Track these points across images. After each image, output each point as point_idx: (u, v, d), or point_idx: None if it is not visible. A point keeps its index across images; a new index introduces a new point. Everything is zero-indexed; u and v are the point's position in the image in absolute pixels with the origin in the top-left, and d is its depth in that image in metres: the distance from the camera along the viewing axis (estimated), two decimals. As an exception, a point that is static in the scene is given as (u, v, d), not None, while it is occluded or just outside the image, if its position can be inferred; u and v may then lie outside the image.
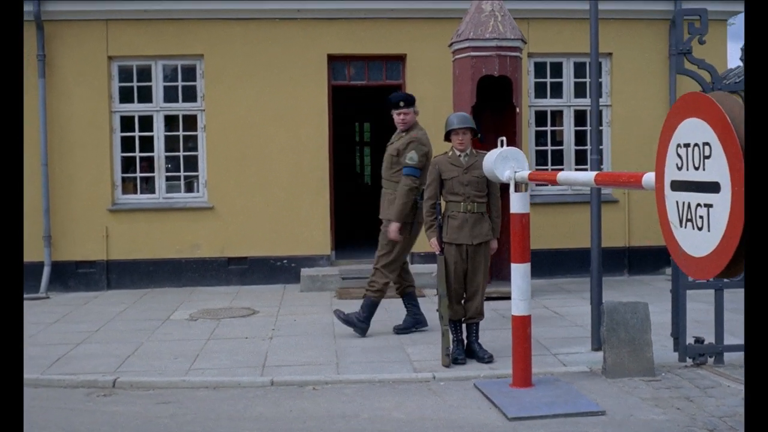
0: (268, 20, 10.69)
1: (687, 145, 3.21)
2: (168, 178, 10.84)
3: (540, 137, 11.26)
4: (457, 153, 6.57)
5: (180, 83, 10.78)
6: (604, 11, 10.92)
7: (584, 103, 11.23)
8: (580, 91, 11.25)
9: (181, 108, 10.80)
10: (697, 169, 3.14)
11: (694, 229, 3.18)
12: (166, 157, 10.80)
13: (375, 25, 10.82)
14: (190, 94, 10.80)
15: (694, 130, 3.15)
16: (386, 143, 7.86)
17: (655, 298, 9.14)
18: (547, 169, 10.98)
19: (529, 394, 5.50)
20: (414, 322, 7.78)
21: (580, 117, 11.26)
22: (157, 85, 10.73)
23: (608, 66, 11.22)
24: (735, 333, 6.76)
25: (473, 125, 6.57)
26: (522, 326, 5.63)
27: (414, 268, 10.59)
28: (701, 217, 3.13)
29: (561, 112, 11.26)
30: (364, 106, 16.95)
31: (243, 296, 10.00)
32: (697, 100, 3.12)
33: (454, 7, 10.60)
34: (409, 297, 7.89)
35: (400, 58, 11.03)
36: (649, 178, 3.61)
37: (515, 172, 5.54)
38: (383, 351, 7.01)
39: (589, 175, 4.31)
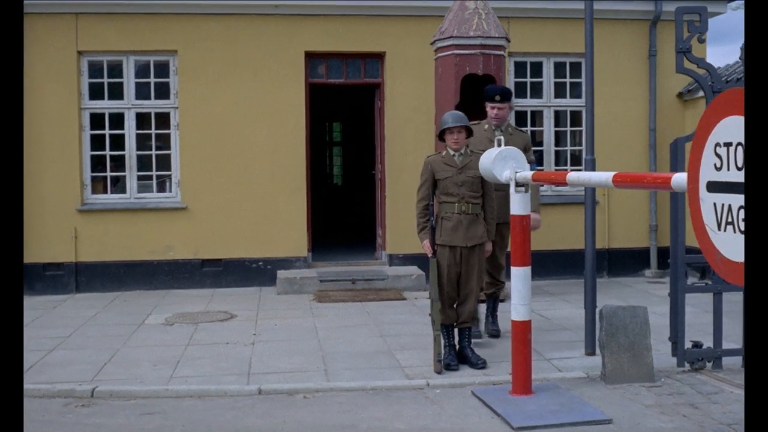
0: (245, 16, 10.41)
1: (728, 145, 3.04)
2: (139, 178, 10.49)
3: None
4: (452, 152, 6.37)
5: (152, 80, 10.44)
6: (582, 11, 10.86)
7: (564, 103, 11.14)
8: (559, 91, 11.14)
9: (153, 105, 10.46)
10: (740, 169, 2.98)
11: (735, 232, 3.02)
12: (138, 156, 10.45)
13: (354, 22, 10.59)
14: (162, 91, 10.47)
15: (736, 128, 2.98)
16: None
17: (639, 300, 9.07)
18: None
19: (531, 402, 5.32)
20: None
21: (557, 117, 11.16)
22: (129, 81, 10.38)
23: (588, 66, 11.11)
24: (727, 337, 6.66)
25: (468, 124, 6.38)
26: (522, 332, 5.45)
27: (393, 270, 10.45)
28: (744, 219, 2.96)
29: (541, 112, 11.14)
30: (334, 105, 16.73)
31: (218, 299, 9.70)
32: (741, 97, 2.96)
33: (435, 5, 10.42)
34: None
35: (379, 56, 10.82)
36: (679, 179, 3.42)
37: (516, 172, 5.36)
38: (372, 357, 6.79)
39: (604, 176, 4.12)
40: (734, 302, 6.53)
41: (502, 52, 9.22)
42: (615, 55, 11.04)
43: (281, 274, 10.28)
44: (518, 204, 5.39)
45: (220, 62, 10.39)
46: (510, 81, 10.90)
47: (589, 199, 6.64)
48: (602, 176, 4.17)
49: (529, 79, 11.05)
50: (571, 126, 11.18)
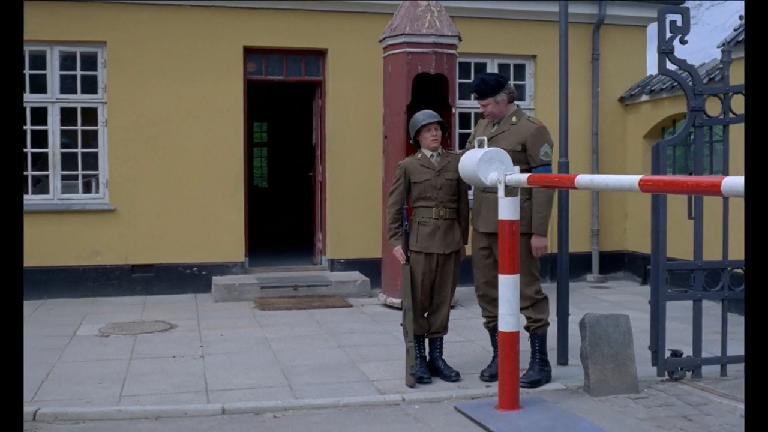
0: (180, 6, 9.81)
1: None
2: (64, 177, 9.75)
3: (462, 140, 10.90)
4: (428, 153, 6.01)
5: (79, 72, 9.72)
6: (528, 12, 10.77)
7: (508, 105, 10.95)
8: (503, 93, 10.95)
9: (79, 100, 9.74)
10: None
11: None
12: (62, 154, 9.71)
13: (295, 17, 10.14)
14: (90, 85, 9.76)
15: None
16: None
17: (590, 306, 8.96)
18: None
19: (522, 417, 5.03)
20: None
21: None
22: (53, 73, 9.63)
23: (532, 69, 11.00)
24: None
25: (442, 120, 6.05)
26: (510, 343, 5.16)
27: (336, 276, 10.05)
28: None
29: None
30: (258, 105, 16.17)
31: (152, 308, 9.09)
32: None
33: (381, 2, 10.12)
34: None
35: (321, 53, 10.40)
36: (731, 182, 3.14)
37: (506, 174, 5.06)
38: (335, 370, 6.37)
39: (627, 180, 3.83)
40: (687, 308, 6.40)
41: (454, 51, 8.98)
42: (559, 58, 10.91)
43: (218, 280, 9.74)
44: (507, 209, 5.09)
45: (153, 55, 9.78)
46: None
47: (564, 202, 6.42)
48: (623, 180, 3.87)
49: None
50: (514, 129, 11.01)
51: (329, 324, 8.15)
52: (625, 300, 9.69)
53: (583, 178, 4.20)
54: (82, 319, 8.39)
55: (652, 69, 11.93)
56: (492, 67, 10.85)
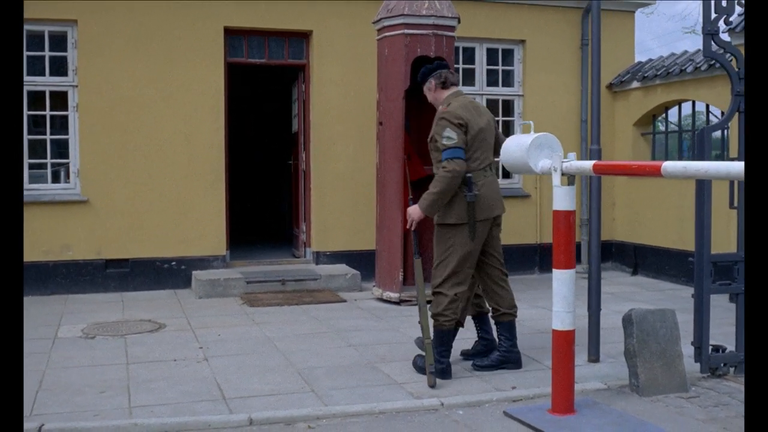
0: (156, -16, 9.21)
1: None
2: (32, 166, 9.07)
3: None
4: None
5: (47, 53, 9.03)
6: (518, -5, 10.43)
7: (497, 91, 10.64)
8: (492, 79, 10.63)
9: (48, 83, 9.05)
10: None
11: None
12: (30, 141, 9.02)
13: (279, -3, 9.62)
14: (59, 67, 9.08)
15: None
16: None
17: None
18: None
19: (584, 422, 4.68)
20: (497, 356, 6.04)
21: (491, 106, 10.63)
22: (19, 54, 8.92)
23: (521, 54, 10.67)
24: (716, 338, 6.32)
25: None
26: (566, 343, 4.80)
27: (324, 270, 9.61)
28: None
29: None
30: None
31: (132, 305, 8.50)
32: None
33: (369, -18, 9.64)
34: (482, 319, 6.18)
35: (305, 35, 9.89)
36: None
37: (563, 162, 4.69)
38: (355, 372, 5.94)
39: (735, 167, 3.49)
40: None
41: (453, 34, 8.59)
42: (548, 43, 10.65)
43: (199, 275, 9.19)
44: (563, 199, 4.73)
45: (128, 35, 9.14)
46: (442, 67, 10.26)
47: (595, 191, 6.09)
48: (730, 167, 3.51)
49: (461, 66, 10.45)
50: (503, 116, 10.69)
51: (329, 321, 7.71)
52: (623, 291, 9.47)
53: (673, 167, 3.83)
54: (60, 319, 7.78)
55: (639, 55, 11.76)
56: (480, 52, 10.50)
